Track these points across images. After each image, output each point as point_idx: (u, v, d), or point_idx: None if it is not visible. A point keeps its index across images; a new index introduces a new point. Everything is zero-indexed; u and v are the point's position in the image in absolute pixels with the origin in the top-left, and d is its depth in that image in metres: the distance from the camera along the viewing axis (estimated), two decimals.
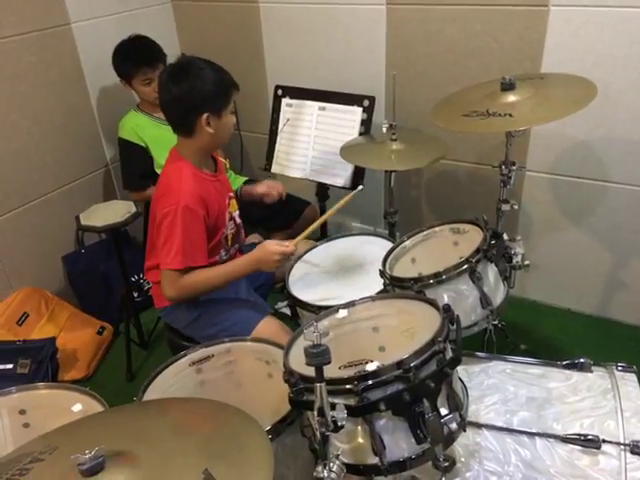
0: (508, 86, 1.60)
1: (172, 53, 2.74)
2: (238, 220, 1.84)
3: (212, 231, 1.68)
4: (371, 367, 0.98)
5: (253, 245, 2.00)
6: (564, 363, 1.36)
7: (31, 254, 2.37)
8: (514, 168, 1.71)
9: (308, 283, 1.77)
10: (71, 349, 2.31)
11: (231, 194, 1.82)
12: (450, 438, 1.02)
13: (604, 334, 2.31)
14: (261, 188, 2.10)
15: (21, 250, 2.33)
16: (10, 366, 2.05)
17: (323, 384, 0.84)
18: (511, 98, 1.58)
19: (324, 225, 2.46)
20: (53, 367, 2.14)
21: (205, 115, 1.57)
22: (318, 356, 0.82)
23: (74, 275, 2.53)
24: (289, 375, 1.05)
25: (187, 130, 1.61)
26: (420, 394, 0.96)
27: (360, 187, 1.77)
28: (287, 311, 1.77)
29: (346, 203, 1.71)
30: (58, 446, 0.95)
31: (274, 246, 1.62)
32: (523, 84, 1.62)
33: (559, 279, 2.41)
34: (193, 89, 1.55)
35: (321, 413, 0.84)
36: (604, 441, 1.13)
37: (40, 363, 2.08)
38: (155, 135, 2.33)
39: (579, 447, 1.15)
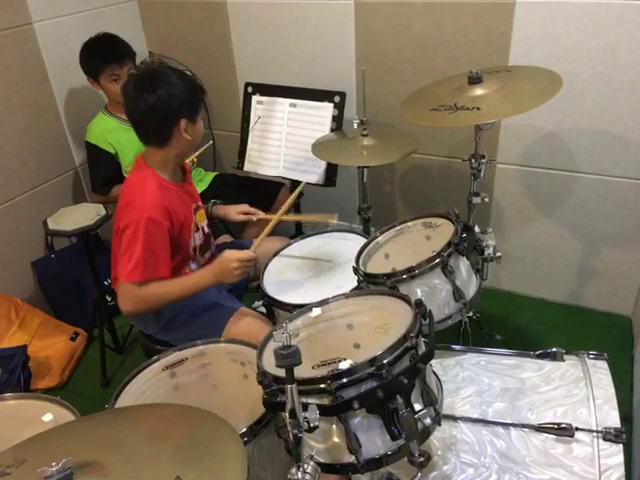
0: (475, 79, 1.60)
1: (139, 51, 2.70)
2: (207, 230, 1.82)
3: (177, 243, 1.64)
4: (344, 365, 0.97)
5: (224, 246, 1.99)
6: (537, 353, 1.38)
7: None
8: (484, 161, 1.72)
9: (283, 281, 1.76)
10: (44, 356, 2.26)
11: (199, 204, 1.78)
12: (425, 433, 1.02)
13: (578, 322, 2.35)
14: (238, 217, 1.96)
15: None
16: None
17: (294, 385, 0.83)
18: (479, 91, 1.59)
19: (299, 223, 2.46)
20: (25, 376, 2.09)
21: (183, 122, 1.53)
22: (288, 357, 0.81)
23: (45, 281, 2.47)
24: (262, 376, 1.03)
25: (161, 139, 1.56)
26: (393, 391, 0.96)
27: (303, 182, 1.78)
28: (264, 310, 1.76)
29: (294, 200, 1.71)
30: (26, 459, 0.93)
31: (231, 254, 1.55)
32: (490, 77, 1.63)
33: (532, 269, 2.45)
34: (170, 96, 1.50)
35: (293, 415, 0.83)
36: (577, 429, 1.14)
37: (12, 372, 2.03)
38: (124, 139, 2.28)
39: (553, 436, 1.16)
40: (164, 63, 1.59)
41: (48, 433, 1.03)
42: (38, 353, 2.24)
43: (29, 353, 2.14)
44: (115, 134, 2.30)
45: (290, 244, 1.95)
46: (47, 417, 1.27)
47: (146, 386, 1.39)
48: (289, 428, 0.84)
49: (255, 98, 2.35)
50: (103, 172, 2.34)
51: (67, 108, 2.50)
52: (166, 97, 1.50)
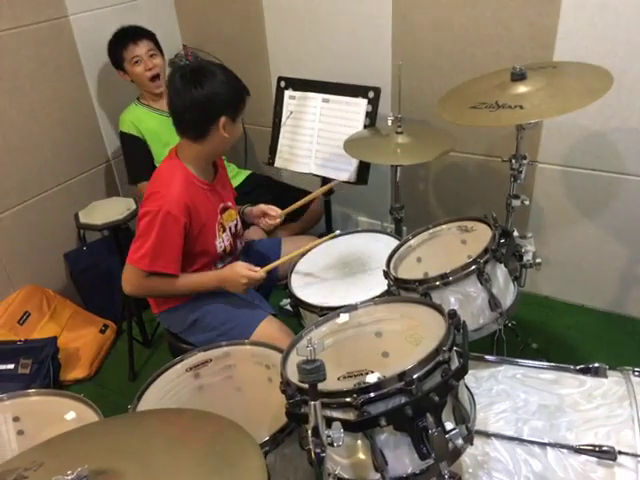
0: (519, 76, 1.52)
1: (174, 44, 2.70)
2: (234, 230, 1.79)
3: (199, 241, 1.63)
4: (371, 379, 0.92)
5: (249, 243, 1.97)
6: (578, 368, 1.30)
7: (32, 252, 2.34)
8: (525, 162, 1.63)
9: (311, 282, 1.72)
10: (73, 348, 2.28)
11: (228, 203, 1.75)
12: (456, 453, 0.96)
13: (619, 331, 2.24)
14: (262, 206, 1.93)
15: (22, 248, 2.30)
16: (11, 366, 2.03)
17: (318, 402, 0.78)
18: (522, 89, 1.50)
19: (329, 221, 2.41)
20: (55, 367, 2.11)
21: (224, 119, 1.53)
22: (312, 373, 0.76)
23: (76, 273, 2.50)
24: (286, 386, 0.99)
25: (199, 134, 1.56)
26: (423, 408, 0.90)
27: (337, 232, 1.86)
28: (290, 308, 1.73)
29: (315, 245, 1.79)
30: (44, 462, 0.91)
31: (244, 269, 1.60)
32: (535, 74, 1.54)
33: (572, 274, 2.34)
34: (215, 93, 1.51)
35: (315, 433, 0.79)
36: (620, 452, 1.07)
37: (41, 363, 2.06)
38: (154, 128, 2.28)
39: (593, 458, 1.09)
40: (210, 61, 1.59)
41: (67, 435, 1.01)
42: (68, 344, 2.27)
43: (59, 344, 2.17)
44: (144, 123, 2.30)
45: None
46: (70, 415, 1.26)
47: (170, 386, 1.37)
48: (311, 447, 0.79)
49: (287, 93, 2.31)
50: (142, 159, 2.31)
51: (101, 101, 2.51)
52: (212, 93, 1.51)
